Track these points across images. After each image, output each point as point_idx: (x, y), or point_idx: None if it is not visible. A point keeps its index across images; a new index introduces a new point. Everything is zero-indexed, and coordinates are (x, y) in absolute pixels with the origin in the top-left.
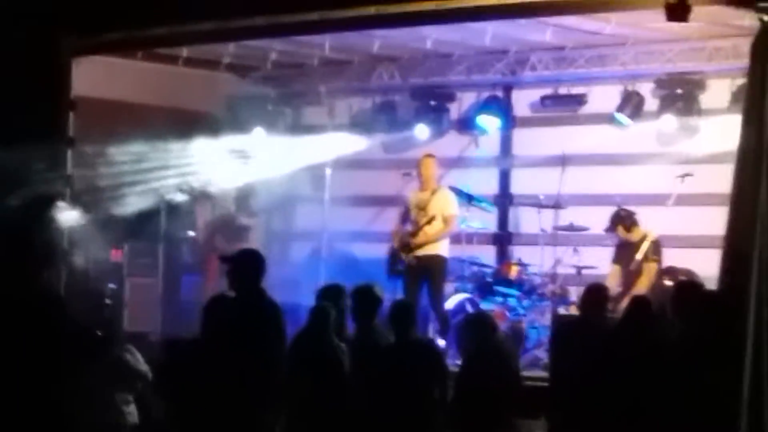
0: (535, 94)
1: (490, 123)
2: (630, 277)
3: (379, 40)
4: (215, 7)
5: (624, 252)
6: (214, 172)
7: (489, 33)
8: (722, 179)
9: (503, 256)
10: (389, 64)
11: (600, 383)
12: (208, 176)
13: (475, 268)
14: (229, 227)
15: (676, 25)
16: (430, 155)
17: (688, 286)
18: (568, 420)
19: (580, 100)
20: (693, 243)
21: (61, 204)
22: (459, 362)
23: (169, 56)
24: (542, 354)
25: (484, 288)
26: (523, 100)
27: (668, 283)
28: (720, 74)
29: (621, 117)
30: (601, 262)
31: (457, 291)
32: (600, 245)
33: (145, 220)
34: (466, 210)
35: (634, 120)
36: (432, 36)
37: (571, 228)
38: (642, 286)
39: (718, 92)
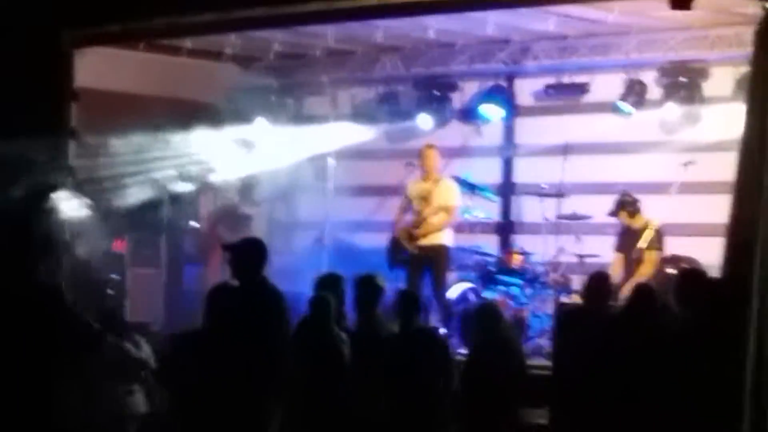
0: (538, 83)
1: (492, 112)
2: (632, 265)
3: (381, 30)
4: None
5: (626, 240)
6: (217, 162)
7: (491, 22)
8: (725, 167)
9: (506, 245)
10: (392, 54)
11: (603, 372)
12: (210, 166)
13: (478, 257)
14: (232, 217)
15: (679, 14)
16: (431, 145)
17: (691, 274)
18: (570, 409)
19: (583, 88)
20: (696, 231)
21: (63, 195)
22: (462, 351)
23: (171, 47)
24: (545, 342)
25: (487, 277)
26: (525, 89)
27: (671, 271)
28: (723, 62)
29: (624, 106)
30: (603, 251)
31: (459, 280)
32: (603, 234)
33: (147, 210)
34: (468, 199)
35: (637, 108)
36: (434, 26)
37: (573, 217)
38: (644, 275)
39: (722, 80)
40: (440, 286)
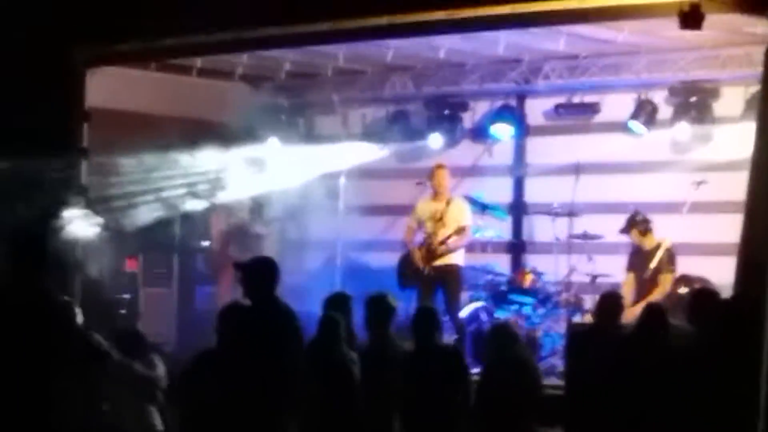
0: (549, 102)
1: (503, 131)
2: (645, 285)
3: (392, 49)
4: (229, 18)
5: (638, 260)
6: (228, 182)
7: (502, 42)
8: (737, 187)
9: (517, 265)
10: (402, 73)
11: (615, 391)
12: (222, 186)
13: (490, 277)
14: (244, 237)
15: (689, 34)
16: (442, 165)
17: (704, 293)
18: (583, 427)
19: (593, 108)
20: (707, 251)
21: (75, 214)
22: (475, 370)
23: (182, 67)
24: (557, 362)
25: (499, 296)
26: (536, 109)
27: (683, 290)
28: (733, 82)
29: (635, 125)
30: (615, 270)
31: (471, 299)
32: (614, 253)
33: (159, 230)
34: (480, 219)
35: (648, 128)
36: (445, 45)
37: (585, 236)
38: (657, 295)
39: (732, 100)
40: (454, 306)
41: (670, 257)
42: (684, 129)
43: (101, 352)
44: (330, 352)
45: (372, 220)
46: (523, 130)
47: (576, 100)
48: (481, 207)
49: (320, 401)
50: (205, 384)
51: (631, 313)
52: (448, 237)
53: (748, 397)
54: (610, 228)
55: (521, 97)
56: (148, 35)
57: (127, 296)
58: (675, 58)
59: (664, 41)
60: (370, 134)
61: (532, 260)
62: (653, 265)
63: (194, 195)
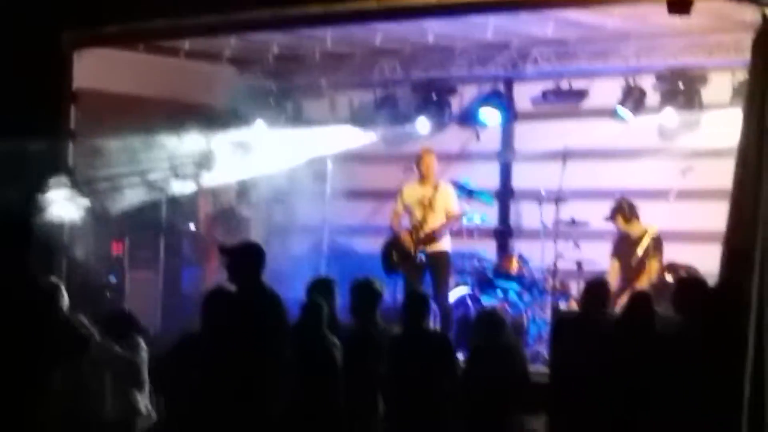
0: (537, 88)
1: (491, 117)
2: (631, 272)
3: (380, 33)
4: (216, 0)
5: (623, 246)
6: (215, 165)
7: (490, 27)
8: (724, 174)
9: (504, 251)
10: (390, 57)
11: (600, 379)
12: (209, 169)
13: (476, 263)
14: (230, 220)
15: (678, 20)
16: (429, 150)
17: (690, 281)
18: (568, 415)
19: (581, 94)
20: (694, 238)
21: (61, 197)
22: (462, 356)
23: (170, 49)
24: (543, 349)
25: (485, 282)
26: (524, 94)
27: (669, 278)
28: (721, 69)
29: (622, 111)
30: (602, 257)
31: (457, 285)
32: (601, 240)
33: (145, 212)
34: (466, 204)
35: (636, 114)
36: (433, 30)
37: (572, 222)
38: (644, 283)
39: (720, 87)
40: (443, 292)
41: (656, 244)
42: (672, 115)
43: (83, 336)
44: (312, 337)
45: (359, 204)
46: (511, 116)
47: (564, 85)
48: (468, 192)
49: (302, 386)
50: (188, 369)
51: (618, 301)
52: (445, 224)
53: (733, 385)
54: (597, 214)
55: (509, 83)
56: (136, 17)
57: (112, 279)
58: (664, 44)
59: (653, 27)
60: (357, 118)
61: (518, 246)
62: (640, 252)
63: (181, 178)
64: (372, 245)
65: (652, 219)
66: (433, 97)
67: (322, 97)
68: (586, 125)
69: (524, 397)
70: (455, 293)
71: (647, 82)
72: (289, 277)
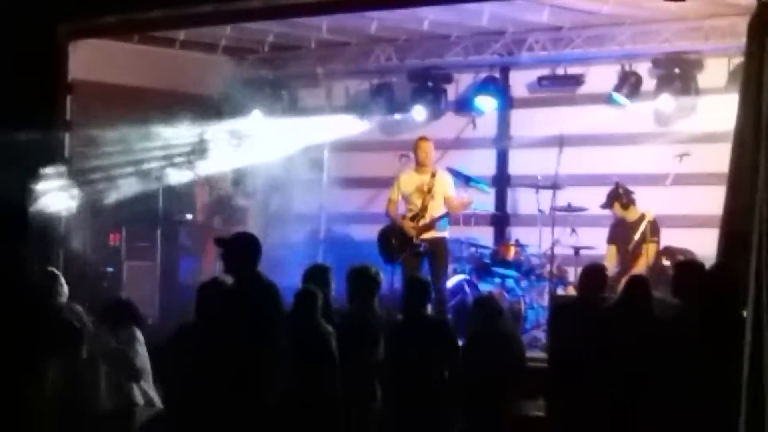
0: (533, 74)
1: (487, 104)
2: (628, 257)
3: (375, 21)
4: None
5: (620, 232)
6: (212, 154)
7: (486, 14)
8: (720, 158)
9: (501, 237)
10: (386, 45)
11: (598, 363)
12: (206, 159)
13: (473, 249)
14: (227, 209)
15: (673, 5)
16: (426, 138)
17: (688, 265)
18: (566, 400)
19: (577, 80)
20: (691, 222)
21: (58, 187)
22: (460, 343)
23: (165, 39)
24: (540, 335)
25: (482, 269)
26: (520, 81)
27: (666, 262)
28: (717, 53)
29: (618, 97)
30: (599, 243)
31: (455, 272)
32: (598, 225)
33: (142, 203)
34: (463, 191)
35: (632, 100)
36: (429, 17)
37: (568, 208)
38: (641, 267)
39: (716, 71)
40: (441, 279)
41: (653, 229)
42: (667, 101)
43: (76, 328)
44: (305, 325)
45: (355, 192)
46: (507, 103)
47: (560, 72)
48: (465, 179)
49: (296, 374)
50: (184, 359)
51: (615, 286)
52: (457, 211)
53: (731, 368)
54: (593, 200)
55: (505, 69)
56: (131, 8)
57: (110, 269)
58: (659, 29)
59: (648, 12)
60: (353, 107)
61: (515, 233)
62: (637, 237)
63: (177, 168)
64: (369, 233)
65: (648, 204)
66: (429, 84)
67: (318, 86)
68: (582, 111)
69: (521, 382)
70: (453, 280)
71: (643, 68)
72: (286, 265)
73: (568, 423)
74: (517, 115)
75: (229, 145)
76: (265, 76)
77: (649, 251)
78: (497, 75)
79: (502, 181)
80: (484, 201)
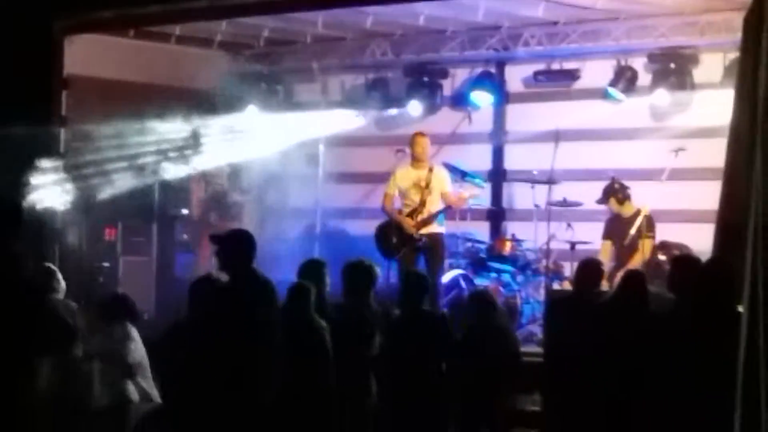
0: (528, 69)
1: (483, 99)
2: (624, 252)
3: (371, 16)
4: None
5: (616, 227)
6: (208, 149)
7: (482, 9)
8: (716, 153)
9: (497, 232)
10: (382, 40)
11: (594, 358)
12: (201, 154)
13: (469, 244)
14: (223, 204)
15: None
16: (422, 133)
17: (684, 260)
18: (561, 395)
19: (573, 75)
20: (686, 217)
21: (54, 182)
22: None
23: (161, 34)
24: (536, 329)
25: (478, 264)
26: (516, 76)
27: (662, 257)
28: (713, 48)
29: (614, 92)
30: (594, 238)
31: (451, 267)
32: (594, 220)
33: (138, 198)
34: (459, 186)
35: (627, 95)
36: (425, 12)
37: (564, 203)
38: (637, 262)
39: (711, 66)
40: (438, 274)
41: (649, 224)
42: (663, 96)
43: (69, 326)
44: (299, 319)
45: (351, 187)
46: (503, 98)
47: (555, 66)
48: (461, 174)
49: (291, 368)
50: (179, 356)
51: (611, 281)
52: (456, 206)
53: (726, 362)
54: (589, 195)
55: (501, 64)
56: (127, 2)
57: (106, 264)
58: (654, 24)
59: (644, 7)
60: (349, 101)
61: (511, 227)
62: (632, 232)
63: (173, 163)
64: (365, 228)
65: (644, 199)
66: (425, 79)
67: (314, 81)
68: (577, 106)
69: (516, 376)
70: (448, 275)
71: (639, 63)
72: (282, 260)
73: (564, 417)
74: (512, 110)
75: (225, 140)
76: (261, 71)
77: (645, 246)
78: (493, 70)
79: (497, 176)
80: (480, 196)
